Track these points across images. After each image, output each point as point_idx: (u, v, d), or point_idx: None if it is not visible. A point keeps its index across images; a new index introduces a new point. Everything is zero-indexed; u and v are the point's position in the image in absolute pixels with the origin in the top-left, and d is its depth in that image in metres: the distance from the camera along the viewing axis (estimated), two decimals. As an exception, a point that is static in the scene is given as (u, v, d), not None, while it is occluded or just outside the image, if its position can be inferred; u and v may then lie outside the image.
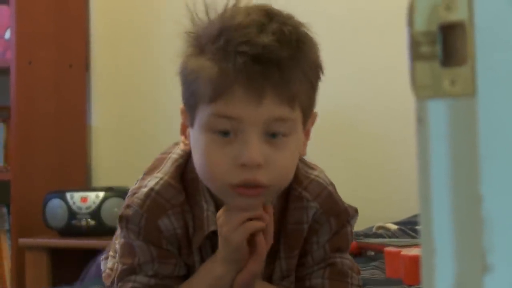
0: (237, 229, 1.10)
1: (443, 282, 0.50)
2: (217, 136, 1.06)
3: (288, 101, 1.05)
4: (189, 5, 1.10)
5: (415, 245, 1.63)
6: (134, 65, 3.12)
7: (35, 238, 2.80)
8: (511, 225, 0.49)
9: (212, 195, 1.15)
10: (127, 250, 1.18)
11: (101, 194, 2.75)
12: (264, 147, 1.05)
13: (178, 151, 1.19)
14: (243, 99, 1.03)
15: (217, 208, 1.14)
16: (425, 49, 0.51)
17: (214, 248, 1.16)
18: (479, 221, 0.49)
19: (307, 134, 1.14)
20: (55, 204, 2.75)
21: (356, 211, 1.23)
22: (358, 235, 2.07)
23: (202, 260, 1.18)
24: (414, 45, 0.51)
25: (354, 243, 1.87)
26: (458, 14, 0.50)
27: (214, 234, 1.15)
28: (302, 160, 1.20)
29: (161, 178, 1.16)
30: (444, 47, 0.51)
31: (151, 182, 1.16)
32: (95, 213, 2.72)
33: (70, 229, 2.74)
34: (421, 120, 0.51)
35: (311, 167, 1.22)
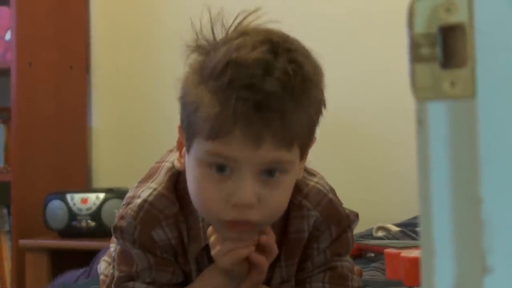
0: (226, 254, 1.11)
1: (443, 284, 0.50)
2: (212, 171, 1.04)
3: (287, 145, 1.03)
4: (194, 22, 1.07)
5: (415, 247, 1.63)
6: (134, 66, 3.12)
7: (36, 239, 2.80)
8: (510, 227, 0.49)
9: None
10: (124, 257, 1.17)
11: (102, 196, 2.75)
12: (259, 186, 1.04)
13: (171, 159, 1.18)
14: (242, 142, 1.01)
15: None
16: (425, 51, 0.51)
17: (210, 258, 1.16)
18: (478, 222, 0.49)
19: (304, 158, 1.12)
20: (55, 205, 2.76)
21: (356, 215, 1.22)
22: (358, 237, 2.07)
23: (199, 269, 1.18)
24: (414, 46, 0.51)
25: (354, 244, 1.87)
26: (458, 16, 0.50)
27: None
28: None
29: (155, 189, 1.15)
30: (444, 49, 0.51)
31: (145, 193, 1.15)
32: (96, 214, 2.72)
33: (70, 230, 2.74)
34: (421, 121, 0.51)
35: (312, 173, 1.20)
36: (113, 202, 2.72)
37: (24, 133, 2.89)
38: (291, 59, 1.01)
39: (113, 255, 1.27)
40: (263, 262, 1.12)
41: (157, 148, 2.92)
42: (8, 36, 2.93)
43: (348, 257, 1.23)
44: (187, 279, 1.19)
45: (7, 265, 2.96)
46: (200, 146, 1.04)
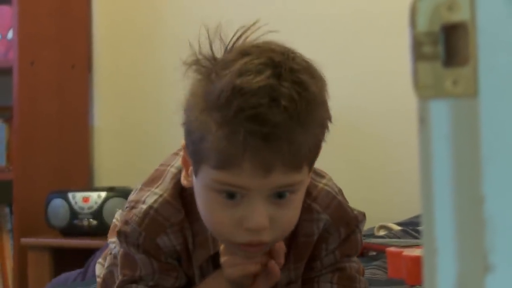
0: (236, 265, 1.11)
1: (445, 282, 0.50)
2: (222, 197, 1.03)
3: (296, 168, 1.02)
4: (191, 42, 1.04)
5: (417, 246, 1.63)
6: (136, 66, 3.13)
7: (37, 237, 2.80)
8: (513, 226, 0.49)
9: None
10: (128, 262, 1.17)
11: (103, 194, 2.75)
12: (270, 208, 1.03)
13: (176, 164, 1.17)
14: (251, 172, 0.99)
15: None
16: (427, 49, 0.51)
17: (215, 264, 1.16)
18: (481, 221, 0.49)
19: (312, 170, 1.11)
20: (57, 204, 2.76)
21: (364, 215, 1.22)
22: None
23: (202, 274, 1.18)
24: (416, 45, 0.51)
25: (362, 245, 1.87)
26: (460, 15, 0.50)
27: (216, 253, 1.15)
28: None
29: (160, 196, 1.14)
30: (446, 47, 0.51)
31: (150, 199, 1.14)
32: (97, 213, 2.73)
33: (72, 229, 2.75)
34: (423, 120, 0.51)
35: (320, 174, 1.20)
36: (114, 201, 2.72)
37: (26, 132, 2.89)
38: (295, 81, 0.99)
39: (112, 252, 1.27)
40: (275, 268, 1.13)
41: (159, 147, 2.93)
42: (10, 35, 2.93)
43: (355, 258, 1.23)
44: (190, 283, 1.19)
45: (9, 264, 2.97)
46: (207, 175, 1.03)
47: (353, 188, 2.68)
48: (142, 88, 3.11)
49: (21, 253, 2.83)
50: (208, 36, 1.04)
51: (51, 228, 2.79)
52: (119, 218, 1.28)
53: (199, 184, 1.06)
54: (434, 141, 0.50)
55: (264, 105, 0.97)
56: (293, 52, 1.03)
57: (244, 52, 1.02)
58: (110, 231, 1.36)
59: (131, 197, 1.18)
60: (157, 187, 1.16)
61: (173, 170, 1.17)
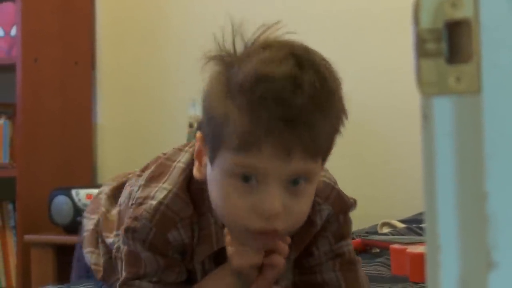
0: (244, 256, 1.12)
1: (448, 279, 0.50)
2: (238, 182, 1.04)
3: (314, 156, 1.04)
4: (215, 35, 1.06)
5: (421, 243, 1.63)
6: (140, 63, 3.13)
7: (41, 234, 2.81)
8: (516, 222, 0.49)
9: None
10: (133, 259, 1.17)
11: (107, 191, 2.75)
12: (284, 195, 1.04)
13: (183, 159, 1.18)
14: (272, 155, 1.01)
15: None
16: (430, 46, 0.51)
17: (216, 260, 1.17)
18: (484, 218, 0.49)
19: (324, 166, 1.14)
20: (60, 201, 2.76)
21: (355, 201, 1.25)
22: (363, 232, 2.07)
23: (203, 268, 1.19)
24: (420, 42, 0.51)
25: (359, 240, 1.87)
26: (463, 11, 0.50)
27: (218, 251, 1.16)
28: None
29: (170, 191, 1.15)
30: (449, 44, 0.51)
31: (159, 194, 1.15)
32: (101, 210, 2.73)
33: (75, 226, 2.74)
34: (426, 117, 0.51)
35: None
36: (118, 198, 2.72)
37: (29, 129, 2.89)
38: (316, 73, 1.02)
39: (108, 245, 1.28)
40: (279, 261, 1.14)
41: (162, 144, 2.93)
42: (13, 32, 2.93)
43: (349, 240, 1.26)
44: (190, 277, 1.19)
45: (13, 261, 2.97)
46: (226, 159, 1.04)
47: (357, 185, 2.69)
48: (145, 85, 3.12)
49: (25, 250, 2.83)
50: (233, 30, 1.06)
51: (54, 225, 2.79)
52: (118, 217, 1.29)
53: (216, 171, 1.07)
54: (438, 138, 0.50)
55: (288, 90, 1.00)
56: (312, 49, 1.06)
57: (266, 45, 1.04)
58: (85, 240, 1.40)
59: (138, 194, 1.18)
60: (164, 182, 1.17)
61: (180, 165, 1.18)
